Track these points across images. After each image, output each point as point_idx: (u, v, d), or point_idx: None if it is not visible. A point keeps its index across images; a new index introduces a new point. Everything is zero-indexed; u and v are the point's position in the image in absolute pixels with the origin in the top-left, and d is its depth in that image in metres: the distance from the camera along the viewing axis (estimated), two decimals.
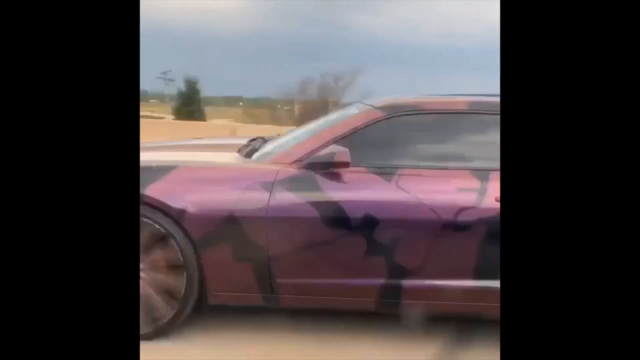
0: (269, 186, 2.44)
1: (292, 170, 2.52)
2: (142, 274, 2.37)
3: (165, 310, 2.46)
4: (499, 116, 2.59)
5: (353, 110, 2.90)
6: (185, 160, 2.59)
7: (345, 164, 2.47)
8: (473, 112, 2.72)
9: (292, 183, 2.48)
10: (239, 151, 2.98)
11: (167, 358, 2.67)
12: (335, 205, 2.47)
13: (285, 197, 2.44)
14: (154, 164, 2.46)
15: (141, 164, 2.31)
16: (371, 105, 2.78)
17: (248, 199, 2.42)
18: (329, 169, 2.50)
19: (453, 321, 3.31)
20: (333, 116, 3.23)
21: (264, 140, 3.29)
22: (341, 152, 2.46)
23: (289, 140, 2.93)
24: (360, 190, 2.53)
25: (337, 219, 2.47)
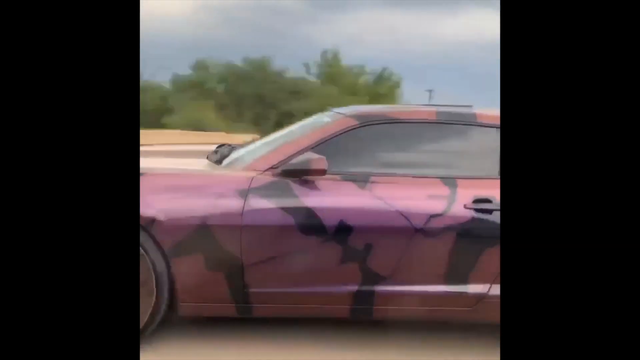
0: (244, 193, 2.41)
1: (267, 178, 2.49)
2: None
3: None
4: (466, 126, 2.79)
5: (325, 118, 2.90)
6: (152, 167, 2.49)
7: (322, 172, 2.47)
8: (441, 122, 2.80)
9: (267, 190, 2.45)
10: (207, 157, 2.95)
11: (167, 358, 2.67)
12: (310, 212, 2.46)
13: (260, 205, 2.41)
14: None
15: None
16: (343, 114, 2.80)
17: (222, 206, 2.36)
18: (305, 176, 2.50)
19: (453, 322, 3.32)
20: (304, 123, 3.23)
21: (232, 147, 3.25)
22: (317, 160, 2.45)
23: (260, 147, 2.90)
24: (335, 197, 2.53)
25: (313, 226, 2.47)
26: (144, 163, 2.52)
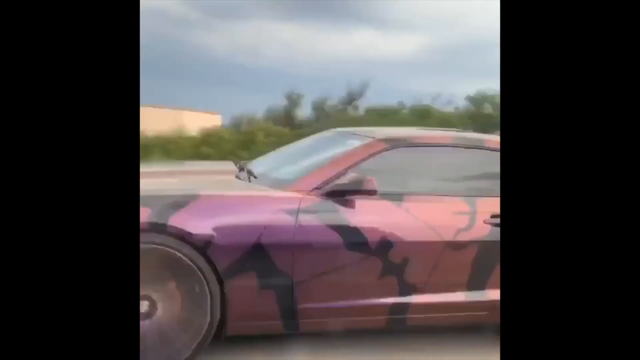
0: (294, 213, 2.48)
1: (314, 198, 2.58)
2: (165, 304, 2.30)
3: (186, 343, 2.36)
4: (477, 150, 3.05)
5: (354, 141, 3.03)
6: (206, 189, 2.56)
7: (373, 192, 2.59)
8: (456, 145, 3.06)
9: (315, 210, 2.54)
10: (236, 177, 3.06)
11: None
12: (355, 230, 2.59)
13: (310, 224, 2.50)
14: (173, 193, 2.41)
15: (158, 193, 2.36)
16: (373, 137, 2.97)
17: (274, 226, 2.43)
18: (353, 195, 2.62)
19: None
20: (316, 141, 3.53)
21: (246, 163, 3.43)
22: (369, 180, 2.57)
23: (285, 164, 3.06)
24: (376, 216, 2.68)
25: (357, 243, 2.59)
26: (187, 184, 2.68)
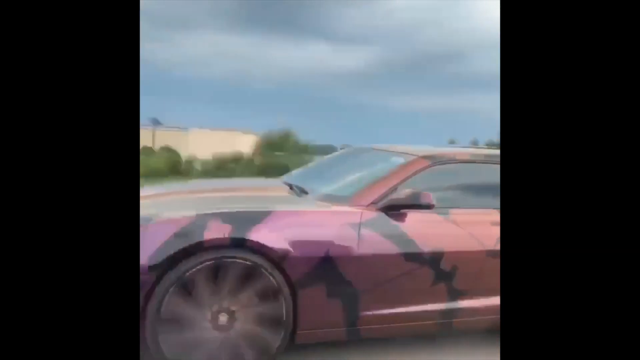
0: (357, 227, 2.65)
1: (372, 212, 2.75)
2: (244, 316, 2.42)
3: (262, 352, 2.47)
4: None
5: (398, 158, 3.23)
6: (279, 205, 2.71)
7: (431, 206, 2.77)
8: (488, 162, 3.26)
9: (374, 223, 2.71)
10: (289, 192, 3.22)
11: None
12: (411, 241, 2.77)
13: (371, 236, 2.66)
14: (249, 210, 2.55)
15: (235, 210, 2.49)
16: (417, 155, 3.16)
17: (341, 239, 2.59)
18: (412, 209, 2.80)
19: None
20: (346, 156, 3.89)
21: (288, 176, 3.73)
22: (425, 195, 2.76)
23: (351, 183, 3.18)
24: (428, 228, 2.86)
25: (413, 253, 2.77)
26: (250, 201, 2.88)
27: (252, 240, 2.36)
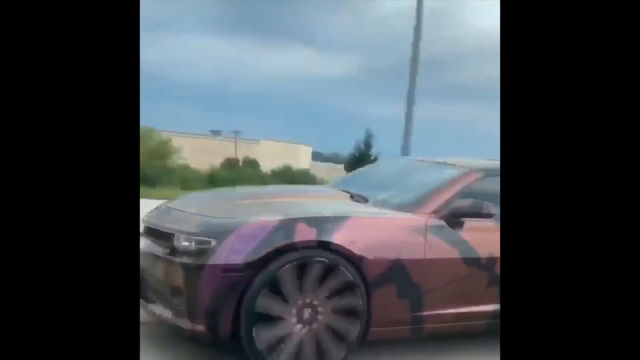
0: (423, 232, 2.85)
1: (435, 219, 2.95)
2: (326, 312, 2.58)
3: (340, 346, 2.62)
4: None
5: (451, 170, 3.39)
6: (355, 211, 2.97)
7: (492, 215, 2.93)
8: None
9: (438, 229, 2.91)
10: (351, 198, 3.36)
11: (167, 358, 2.68)
12: (470, 246, 2.95)
13: (436, 241, 2.86)
14: (329, 215, 2.74)
15: (317, 215, 2.69)
16: (470, 167, 3.32)
17: (410, 244, 2.80)
18: (474, 218, 2.96)
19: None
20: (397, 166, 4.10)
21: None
22: (487, 204, 2.92)
23: (410, 192, 3.34)
24: (483, 234, 2.98)
25: (472, 258, 2.95)
26: (326, 206, 2.99)
27: (334, 243, 2.57)
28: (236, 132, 39.50)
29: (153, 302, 2.72)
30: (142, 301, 2.75)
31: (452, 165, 3.43)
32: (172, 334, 2.84)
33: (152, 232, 2.89)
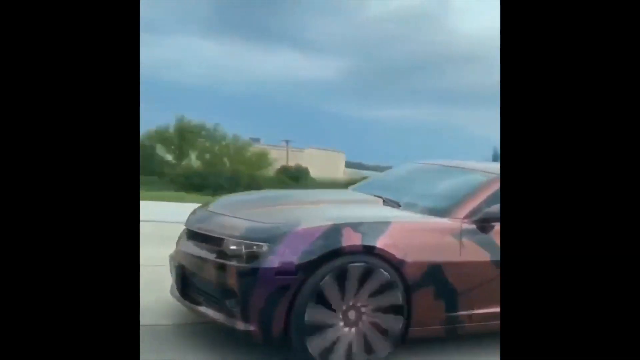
0: (458, 237, 2.96)
1: (469, 223, 3.05)
2: (370, 314, 2.70)
3: (384, 346, 2.74)
4: None
5: (479, 176, 3.49)
6: (395, 216, 3.07)
7: None
8: None
9: (471, 233, 3.01)
10: (383, 202, 3.45)
11: (167, 358, 2.68)
12: (498, 249, 2.92)
13: (470, 245, 2.97)
14: (372, 221, 2.85)
15: (361, 220, 2.79)
16: (496, 174, 3.34)
17: (447, 247, 2.92)
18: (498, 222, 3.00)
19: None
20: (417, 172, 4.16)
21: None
22: None
23: (442, 198, 3.44)
24: None
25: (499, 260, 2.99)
26: (367, 212, 3.11)
27: (378, 247, 2.68)
28: (287, 141, 41.66)
29: (200, 303, 2.81)
30: (188, 303, 2.89)
31: (482, 172, 3.53)
32: (172, 335, 2.84)
33: (196, 236, 3.01)
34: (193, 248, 2.96)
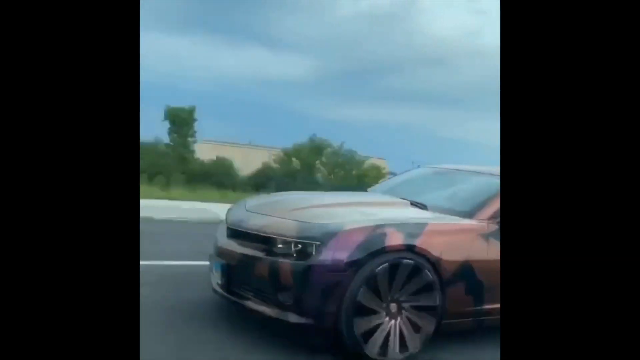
0: (486, 237, 3.21)
1: (493, 224, 3.28)
2: (410, 308, 2.91)
3: (421, 337, 2.94)
4: None
5: (495, 180, 3.61)
6: (430, 218, 3.32)
7: None
8: None
9: (495, 233, 3.22)
10: (411, 204, 3.66)
11: (167, 358, 2.68)
12: None
13: (495, 244, 3.16)
14: (411, 222, 3.09)
15: (402, 221, 3.02)
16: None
17: (477, 246, 3.16)
18: None
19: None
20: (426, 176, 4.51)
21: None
22: None
23: (465, 201, 3.66)
24: None
25: None
26: (403, 213, 3.34)
27: (417, 246, 2.90)
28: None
29: (247, 299, 2.99)
30: (234, 299, 3.07)
31: (486, 174, 3.84)
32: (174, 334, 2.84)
33: (242, 235, 3.18)
34: (239, 247, 3.13)
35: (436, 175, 4.46)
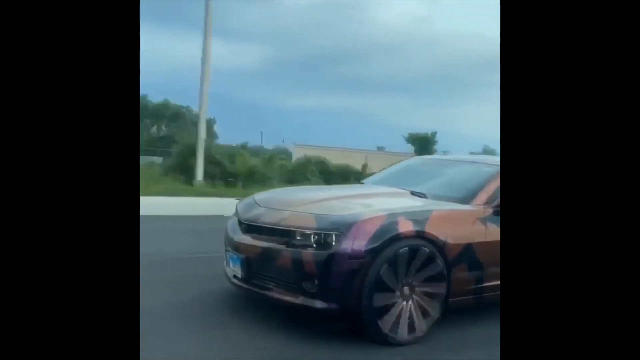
0: (484, 221, 3.46)
1: (488, 209, 3.55)
2: (421, 289, 3.14)
3: (430, 316, 3.17)
4: None
5: (488, 168, 3.95)
6: (433, 204, 3.57)
7: None
8: None
9: (491, 217, 3.50)
10: (411, 194, 3.89)
11: (167, 358, 2.68)
12: None
13: (492, 227, 3.44)
14: (417, 210, 3.34)
15: (409, 210, 3.28)
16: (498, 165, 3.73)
17: (476, 231, 3.41)
18: None
19: (453, 321, 3.33)
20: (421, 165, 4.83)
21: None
22: None
23: (461, 188, 3.88)
24: None
25: None
26: (408, 203, 3.57)
27: (427, 232, 3.15)
28: (379, 147, 44.32)
29: (269, 289, 3.15)
30: (256, 290, 3.24)
31: (489, 165, 4.02)
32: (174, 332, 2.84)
33: (259, 229, 3.34)
34: (258, 241, 3.29)
35: (424, 166, 4.78)
